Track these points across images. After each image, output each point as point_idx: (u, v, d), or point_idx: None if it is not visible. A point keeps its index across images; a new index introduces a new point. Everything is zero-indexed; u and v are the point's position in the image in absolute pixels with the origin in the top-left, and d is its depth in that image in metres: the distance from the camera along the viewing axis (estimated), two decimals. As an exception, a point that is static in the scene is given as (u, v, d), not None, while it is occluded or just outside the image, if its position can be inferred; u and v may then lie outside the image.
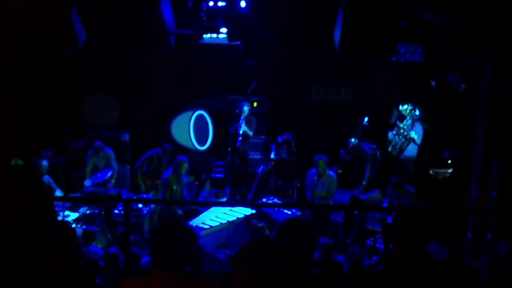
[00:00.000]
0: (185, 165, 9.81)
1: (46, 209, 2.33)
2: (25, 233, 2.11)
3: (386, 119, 11.50)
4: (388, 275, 3.43)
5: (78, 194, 10.43)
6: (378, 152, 11.06)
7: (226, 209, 9.86)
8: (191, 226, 8.07)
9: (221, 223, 9.32)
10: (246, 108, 11.58)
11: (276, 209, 9.75)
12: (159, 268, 2.94)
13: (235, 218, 9.57)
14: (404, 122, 10.92)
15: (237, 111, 11.74)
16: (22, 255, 2.09)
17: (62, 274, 3.07)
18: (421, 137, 10.88)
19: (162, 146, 10.68)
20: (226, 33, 10.18)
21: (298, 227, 3.17)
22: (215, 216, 9.53)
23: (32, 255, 2.15)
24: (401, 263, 3.33)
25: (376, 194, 10.18)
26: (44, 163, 9.90)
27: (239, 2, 9.86)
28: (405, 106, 10.94)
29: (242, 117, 11.50)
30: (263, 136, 12.57)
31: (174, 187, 9.77)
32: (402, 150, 11.00)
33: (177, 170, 9.74)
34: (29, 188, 2.20)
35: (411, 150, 10.97)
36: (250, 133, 11.64)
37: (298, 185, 11.09)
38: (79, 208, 9.48)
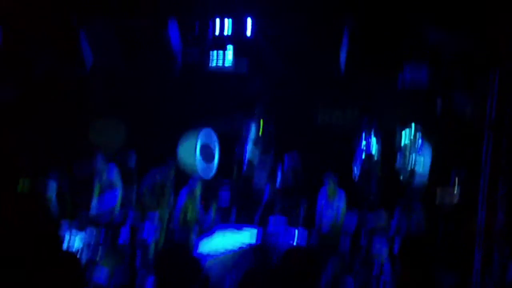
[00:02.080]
0: (200, 185, 9.85)
1: (51, 237, 2.34)
2: (30, 260, 2.12)
3: (391, 142, 11.49)
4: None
5: (84, 218, 10.38)
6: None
7: (232, 237, 9.78)
8: (197, 254, 8.04)
9: (225, 251, 9.25)
10: (252, 130, 11.60)
11: (280, 238, 9.67)
12: None
13: (239, 246, 9.48)
14: (409, 154, 10.86)
15: (243, 132, 11.75)
16: (27, 282, 2.10)
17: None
18: (428, 166, 10.77)
19: (166, 162, 10.68)
20: (232, 61, 10.25)
21: (301, 256, 3.16)
22: (221, 245, 9.45)
23: (37, 283, 2.15)
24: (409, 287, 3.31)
25: (381, 215, 10.12)
26: (52, 184, 9.85)
27: (246, 27, 9.93)
28: (407, 133, 10.92)
29: (248, 139, 11.52)
30: (269, 158, 12.55)
31: (189, 207, 9.80)
32: (409, 181, 10.94)
33: (192, 189, 9.78)
34: (36, 216, 2.21)
35: (419, 181, 10.90)
36: (257, 153, 11.64)
37: (305, 205, 11.05)
38: (84, 233, 9.43)
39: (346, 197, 10.21)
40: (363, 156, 11.29)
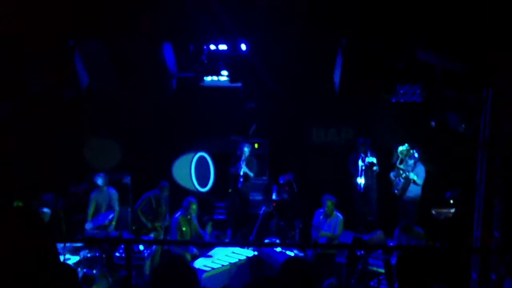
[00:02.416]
0: (194, 206, 9.90)
1: (48, 250, 2.33)
2: (27, 274, 2.11)
3: (387, 160, 11.55)
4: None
5: (79, 235, 10.39)
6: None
7: (228, 251, 9.83)
8: (193, 266, 8.01)
9: (223, 265, 9.27)
10: (246, 150, 11.65)
11: (277, 251, 9.69)
12: None
13: (237, 260, 9.52)
14: (404, 163, 10.99)
15: (238, 152, 11.79)
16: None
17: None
18: (422, 178, 10.94)
19: (159, 184, 10.69)
20: (227, 76, 10.30)
21: (299, 267, 3.17)
22: (217, 258, 9.49)
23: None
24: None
25: (379, 235, 10.12)
26: (46, 210, 9.79)
27: (240, 45, 9.98)
28: (402, 148, 11.03)
29: (242, 158, 11.57)
30: (264, 178, 12.59)
31: (184, 228, 9.81)
32: (404, 191, 11.05)
33: (187, 211, 9.81)
34: (32, 230, 2.21)
35: (414, 191, 11.02)
36: (251, 174, 11.70)
37: (301, 226, 11.04)
38: (79, 252, 9.42)
39: (343, 219, 10.21)
40: (361, 175, 11.38)
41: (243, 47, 9.93)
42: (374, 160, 11.43)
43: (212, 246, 10.14)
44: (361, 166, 11.42)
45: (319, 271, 9.20)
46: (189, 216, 9.86)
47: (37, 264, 2.15)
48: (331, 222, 10.10)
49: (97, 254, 9.36)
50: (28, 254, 2.14)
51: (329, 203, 10.05)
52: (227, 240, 11.61)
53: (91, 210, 10.57)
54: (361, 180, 11.44)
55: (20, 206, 9.38)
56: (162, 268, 3.08)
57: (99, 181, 10.64)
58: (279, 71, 10.87)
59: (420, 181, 10.94)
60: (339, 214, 10.19)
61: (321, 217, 10.16)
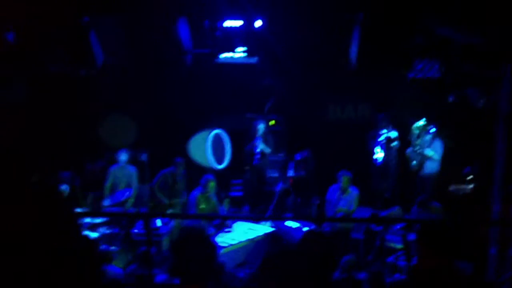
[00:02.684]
0: (212, 184, 9.83)
1: (68, 223, 2.33)
2: (49, 246, 2.11)
3: (404, 136, 11.47)
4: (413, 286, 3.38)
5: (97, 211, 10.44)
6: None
7: (246, 228, 9.84)
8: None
9: (240, 241, 9.29)
10: (261, 126, 11.61)
11: (294, 227, 9.70)
12: (180, 279, 2.92)
13: (254, 236, 9.53)
14: (420, 139, 10.91)
15: (253, 129, 11.76)
16: (47, 268, 2.09)
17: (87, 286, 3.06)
18: (440, 153, 10.84)
19: (174, 161, 10.69)
20: (244, 51, 10.22)
21: (318, 240, 3.16)
22: (235, 235, 9.51)
23: (56, 268, 2.14)
24: (428, 275, 3.27)
25: (396, 210, 10.08)
26: (64, 187, 9.87)
27: (255, 21, 9.90)
28: (418, 124, 10.94)
29: (258, 135, 11.54)
30: (280, 154, 12.55)
31: (202, 206, 9.80)
32: (421, 167, 10.98)
33: (205, 189, 9.79)
34: (51, 203, 2.21)
35: (431, 167, 10.93)
36: (268, 150, 11.66)
37: (318, 202, 11.02)
38: (98, 228, 9.48)
39: (360, 194, 10.17)
40: (382, 148, 11.33)
41: (259, 23, 9.86)
42: (396, 134, 11.32)
43: (230, 219, 10.13)
44: (381, 141, 11.33)
45: (337, 247, 9.19)
46: (207, 194, 9.85)
47: (57, 236, 2.15)
48: (346, 197, 10.06)
49: (116, 231, 9.42)
50: (49, 227, 2.14)
51: (345, 179, 9.99)
52: (244, 212, 11.64)
53: (108, 184, 10.59)
54: (379, 155, 11.36)
55: (39, 180, 9.45)
56: (181, 240, 3.08)
57: (123, 157, 10.63)
58: (295, 47, 10.80)
59: (437, 157, 10.84)
60: (354, 190, 10.14)
61: (337, 193, 10.12)
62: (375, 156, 11.46)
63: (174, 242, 3.12)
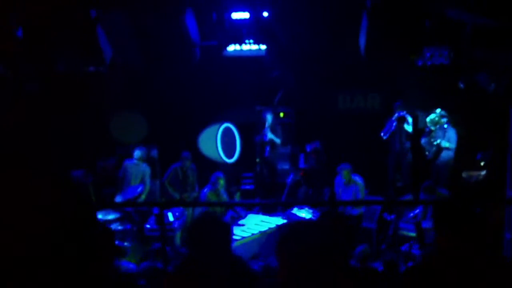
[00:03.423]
0: (222, 181, 9.93)
1: (84, 211, 2.31)
2: (65, 234, 2.09)
3: (415, 124, 11.41)
4: (432, 267, 3.31)
5: (109, 212, 10.44)
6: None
7: (258, 220, 9.85)
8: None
9: (253, 234, 9.28)
10: (269, 117, 11.60)
11: (307, 218, 9.68)
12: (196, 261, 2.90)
13: (267, 228, 9.53)
14: (435, 131, 10.86)
15: (262, 120, 11.76)
16: (65, 255, 2.07)
17: (105, 274, 3.05)
18: (455, 142, 10.80)
19: (181, 156, 10.67)
20: (252, 41, 10.19)
21: (337, 217, 3.13)
22: (248, 227, 9.50)
23: (74, 255, 2.12)
24: (447, 255, 3.20)
25: (408, 199, 10.05)
26: (75, 177, 9.89)
27: (262, 12, 9.86)
28: (432, 116, 10.87)
29: (266, 126, 11.52)
30: (290, 146, 12.53)
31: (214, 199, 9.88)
32: (436, 156, 10.94)
33: (214, 186, 9.86)
34: (67, 191, 2.19)
35: (446, 155, 10.88)
36: (277, 140, 11.63)
37: (329, 193, 11.00)
38: (111, 225, 9.48)
39: (366, 181, 10.15)
40: (397, 138, 11.26)
41: (265, 13, 9.81)
42: (410, 119, 11.21)
43: (243, 206, 10.20)
44: (393, 120, 11.21)
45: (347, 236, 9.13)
46: (217, 191, 9.91)
47: (74, 224, 2.13)
48: (351, 188, 10.05)
49: (128, 227, 9.42)
50: (65, 214, 2.12)
51: (344, 172, 10.03)
52: (255, 210, 11.63)
53: (121, 176, 10.57)
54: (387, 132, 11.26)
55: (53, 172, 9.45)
56: (197, 223, 3.06)
57: (139, 154, 10.61)
58: (303, 37, 10.74)
59: (453, 145, 10.81)
60: (358, 180, 10.11)
61: (341, 185, 10.14)
62: (383, 133, 11.34)
63: (190, 228, 3.09)
